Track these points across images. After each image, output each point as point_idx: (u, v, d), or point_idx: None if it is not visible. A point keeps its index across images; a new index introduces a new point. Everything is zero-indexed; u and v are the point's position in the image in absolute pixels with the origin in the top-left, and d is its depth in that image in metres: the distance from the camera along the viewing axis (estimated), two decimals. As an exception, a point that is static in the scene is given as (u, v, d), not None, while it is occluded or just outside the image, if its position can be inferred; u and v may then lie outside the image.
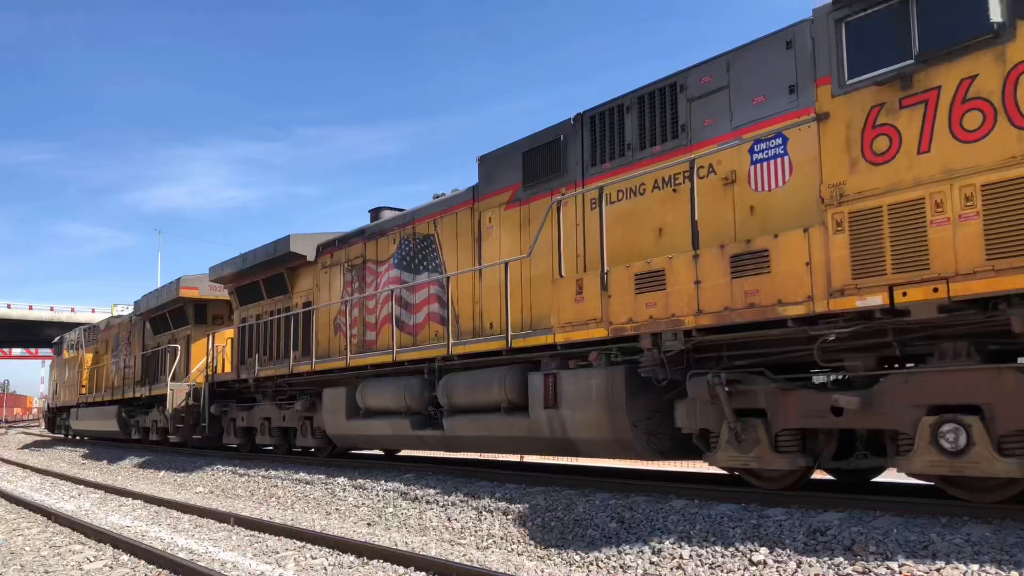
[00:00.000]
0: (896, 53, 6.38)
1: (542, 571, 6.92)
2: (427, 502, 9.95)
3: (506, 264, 10.13)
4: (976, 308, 5.97)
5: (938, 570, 5.41)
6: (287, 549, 8.22)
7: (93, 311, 58.66)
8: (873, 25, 6.59)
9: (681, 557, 6.65)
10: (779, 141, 7.51)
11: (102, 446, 24.32)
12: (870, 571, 5.63)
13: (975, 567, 5.31)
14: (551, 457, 12.98)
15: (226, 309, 18.63)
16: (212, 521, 10.44)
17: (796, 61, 7.43)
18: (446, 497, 9.85)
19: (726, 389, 7.48)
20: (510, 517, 8.61)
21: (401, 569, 7.04)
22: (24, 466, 21.74)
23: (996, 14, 5.75)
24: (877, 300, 6.26)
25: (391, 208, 14.05)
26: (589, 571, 6.88)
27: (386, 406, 12.10)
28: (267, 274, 15.94)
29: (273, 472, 14.00)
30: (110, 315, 31.27)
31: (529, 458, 14.58)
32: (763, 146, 7.66)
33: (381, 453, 15.71)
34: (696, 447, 8.19)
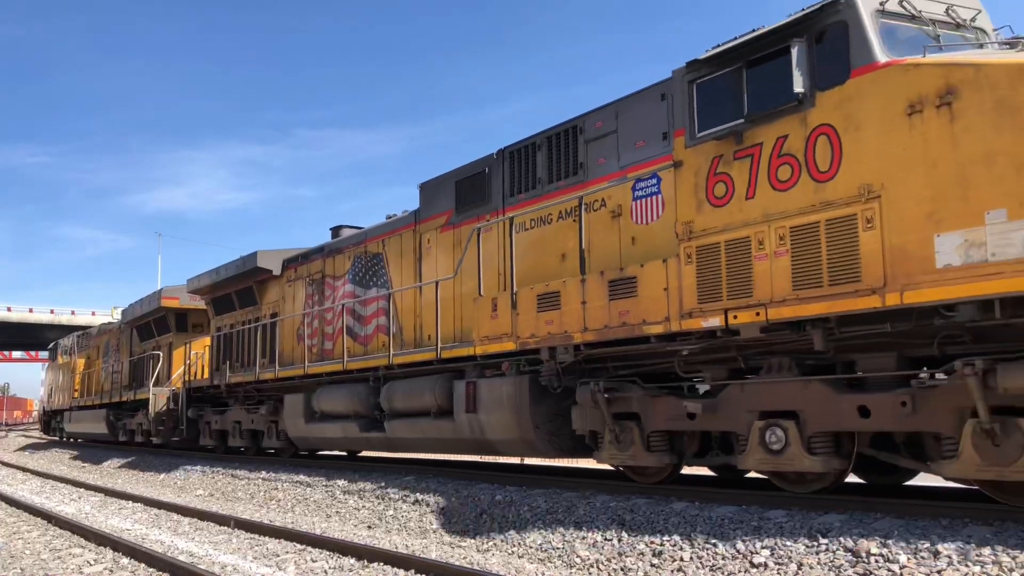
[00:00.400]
0: (732, 113, 7.49)
1: (543, 574, 6.92)
2: (427, 505, 9.94)
3: (437, 283, 11.30)
4: (790, 329, 7.08)
5: (939, 572, 5.41)
6: (287, 552, 8.21)
7: (93, 314, 58.66)
8: (716, 88, 7.70)
9: (682, 559, 6.65)
10: (654, 181, 8.52)
11: (92, 447, 25.26)
12: (871, 573, 5.62)
13: (976, 569, 5.31)
14: (556, 460, 13.17)
15: (205, 318, 19.41)
16: (212, 524, 10.42)
17: (667, 112, 8.43)
18: (446, 500, 9.84)
19: (605, 396, 8.66)
20: (511, 519, 8.61)
21: (402, 572, 7.02)
22: (24, 469, 21.73)
23: (800, 86, 6.96)
24: (716, 321, 7.42)
25: (350, 226, 15.15)
26: (591, 573, 6.88)
27: (338, 411, 13.19)
28: (238, 287, 17.03)
29: (273, 475, 13.99)
30: (109, 318, 31.50)
31: (531, 460, 14.60)
32: (642, 184, 8.67)
33: (342, 453, 16.22)
34: (589, 447, 9.32)
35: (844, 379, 7.12)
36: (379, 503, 10.63)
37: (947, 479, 6.91)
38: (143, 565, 7.92)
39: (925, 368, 6.60)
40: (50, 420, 33.35)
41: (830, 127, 6.85)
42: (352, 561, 7.57)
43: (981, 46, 7.05)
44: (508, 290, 9.80)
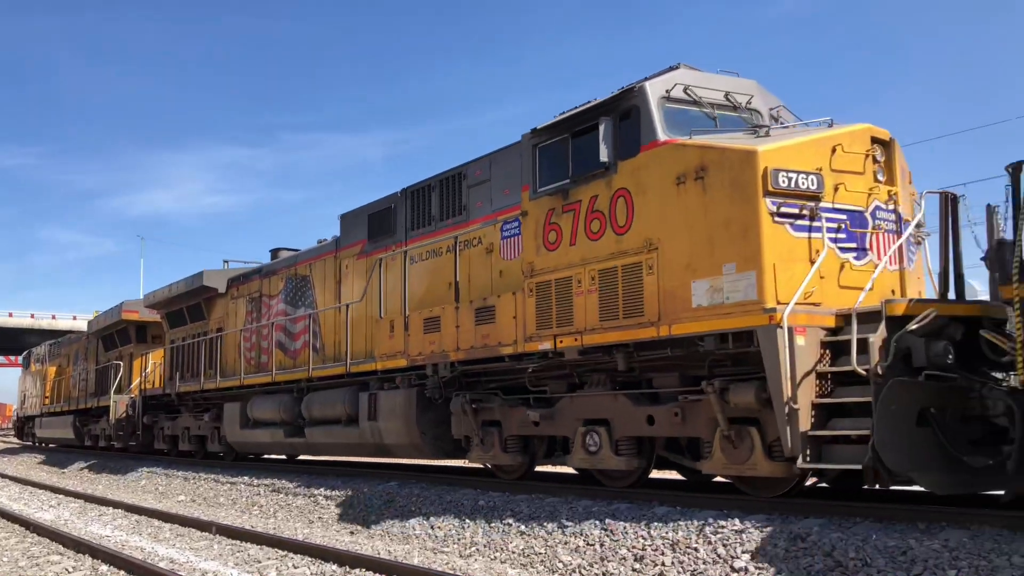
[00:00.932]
0: (562, 174, 9.06)
1: (525, 579, 6.92)
2: (410, 510, 9.93)
3: (348, 305, 12.72)
4: (601, 352, 8.55)
5: (917, 575, 5.47)
6: (269, 558, 8.17)
7: (75, 318, 58.06)
8: (551, 152, 9.24)
9: (663, 564, 6.68)
10: (516, 224, 9.82)
11: (61, 452, 26.63)
12: (850, 577, 5.67)
13: (952, 572, 5.37)
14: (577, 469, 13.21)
15: (163, 330, 20.76)
16: (194, 530, 10.36)
17: (521, 168, 9.76)
18: (429, 505, 9.84)
19: (472, 407, 10.21)
20: (493, 525, 8.61)
21: (383, 578, 7.02)
22: (3, 476, 21.50)
23: (605, 156, 8.39)
24: (548, 345, 8.96)
25: (287, 248, 16.47)
26: (572, 578, 6.89)
27: (268, 418, 14.63)
28: (189, 303, 18.50)
29: (256, 480, 13.93)
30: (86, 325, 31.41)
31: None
32: (507, 227, 9.98)
33: (322, 459, 16.63)
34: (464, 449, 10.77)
35: (641, 393, 8.60)
36: (361, 509, 10.60)
37: (705, 473, 8.43)
38: (123, 572, 7.86)
39: (702, 385, 7.67)
40: (23, 426, 34.35)
41: (626, 190, 8.37)
42: (334, 567, 7.55)
43: (754, 126, 8.24)
44: (403, 314, 11.31)
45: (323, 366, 13.28)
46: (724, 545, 6.63)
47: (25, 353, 34.67)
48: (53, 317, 61.27)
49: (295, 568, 7.66)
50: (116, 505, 13.31)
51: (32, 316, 61.40)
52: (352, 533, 9.74)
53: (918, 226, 8.08)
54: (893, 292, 7.65)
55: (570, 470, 10.45)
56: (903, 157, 8.24)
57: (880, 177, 7.79)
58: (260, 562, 8.03)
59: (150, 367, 20.64)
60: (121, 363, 21.75)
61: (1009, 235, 6.37)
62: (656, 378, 8.51)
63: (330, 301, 13.55)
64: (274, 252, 16.79)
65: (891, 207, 7.76)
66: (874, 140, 7.81)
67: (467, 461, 11.11)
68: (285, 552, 8.41)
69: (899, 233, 7.76)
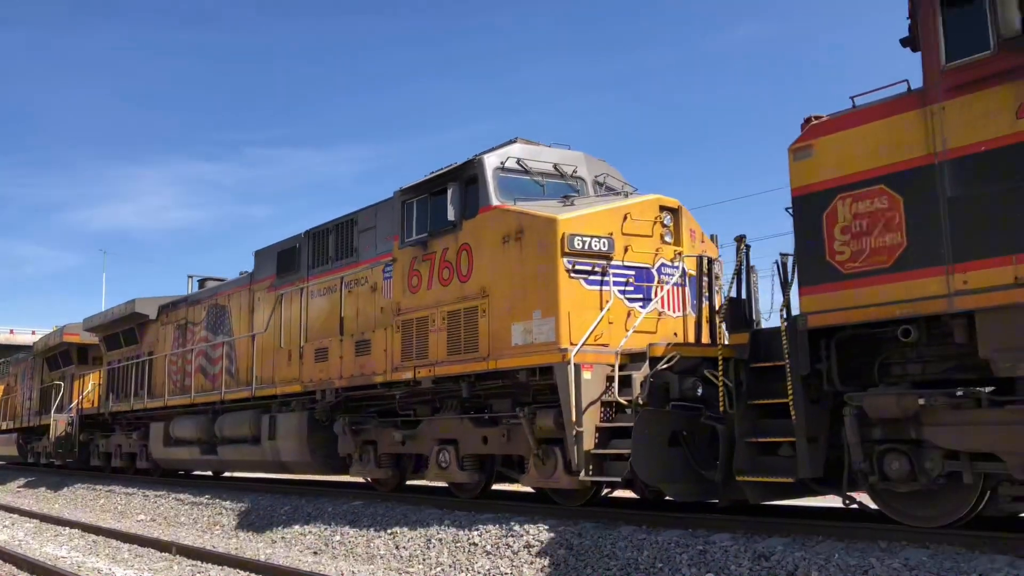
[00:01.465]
0: (423, 228, 10.54)
1: (490, 599, 6.88)
2: (375, 530, 9.83)
3: (254, 335, 14.09)
4: (450, 381, 9.99)
5: (878, 594, 5.52)
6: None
7: (33, 332, 56.73)
8: (416, 209, 10.70)
9: (629, 583, 6.67)
10: (392, 267, 11.10)
11: (6, 469, 27.28)
12: (812, 596, 5.71)
13: (912, 591, 5.43)
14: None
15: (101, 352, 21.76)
16: (153, 551, 10.16)
17: (395, 219, 11.12)
18: (394, 525, 9.74)
19: (352, 428, 11.60)
20: (459, 545, 8.55)
21: (347, 599, 6.93)
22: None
23: (452, 216, 9.90)
24: (409, 375, 10.37)
25: (213, 279, 17.61)
26: (537, 599, 6.86)
27: (187, 437, 15.83)
28: (124, 327, 19.64)
29: (218, 500, 13.71)
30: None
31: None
32: (387, 269, 11.15)
33: (284, 477, 16.70)
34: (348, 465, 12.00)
35: (480, 417, 9.85)
36: (325, 528, 10.47)
37: (524, 486, 10.19)
38: (79, 594, 7.67)
39: (516, 411, 9.08)
40: None
41: (468, 245, 9.84)
42: (297, 588, 7.45)
43: (564, 196, 9.85)
44: (299, 344, 12.73)
45: (234, 390, 14.53)
46: (689, 565, 6.66)
47: None
48: (11, 332, 59.82)
49: (257, 589, 7.54)
50: (73, 525, 13.01)
51: (-10, 331, 59.92)
52: (316, 553, 9.62)
53: (716, 277, 9.59)
54: (676, 335, 9.16)
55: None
56: (692, 220, 9.83)
57: (668, 239, 9.42)
58: (221, 583, 7.89)
59: (89, 387, 21.53)
60: (62, 383, 22.49)
61: (743, 293, 8.09)
62: (495, 404, 9.77)
63: (244, 330, 14.73)
64: (201, 282, 18.04)
65: (677, 264, 9.30)
66: (663, 208, 9.43)
67: (350, 475, 12.41)
68: (248, 573, 8.28)
69: (684, 286, 9.32)
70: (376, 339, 11.02)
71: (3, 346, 53.35)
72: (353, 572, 8.16)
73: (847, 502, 6.97)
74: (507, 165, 9.90)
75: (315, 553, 9.63)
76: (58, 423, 21.29)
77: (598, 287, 8.86)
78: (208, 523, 12.46)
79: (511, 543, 8.16)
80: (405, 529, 9.50)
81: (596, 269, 8.86)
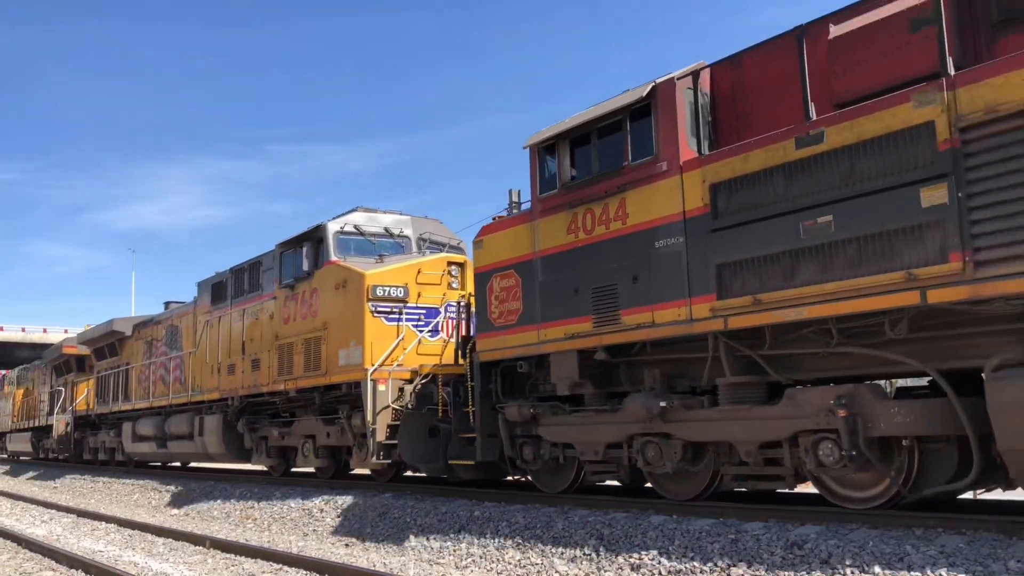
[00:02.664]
0: (292, 274, 13.91)
1: (521, 590, 6.89)
2: (405, 522, 9.89)
3: (192, 352, 17.67)
4: (309, 392, 13.36)
5: (914, 582, 5.46)
6: (264, 572, 8.12)
7: (66, 331, 57.65)
8: (287, 259, 14.12)
9: (660, 573, 6.66)
10: (274, 302, 14.45)
11: (23, 464, 31.23)
12: (847, 584, 5.66)
13: (949, 579, 5.36)
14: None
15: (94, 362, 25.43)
16: (187, 544, 10.29)
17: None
18: (424, 517, 9.79)
19: (250, 426, 15.45)
20: (488, 536, 8.58)
21: (379, 590, 6.98)
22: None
23: (306, 267, 13.34)
24: (282, 387, 13.81)
25: (176, 302, 20.88)
26: (569, 589, 6.86)
27: (147, 434, 19.46)
28: (107, 342, 23.32)
29: (250, 493, 13.86)
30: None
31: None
32: (278, 303, 14.45)
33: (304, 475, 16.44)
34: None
35: (327, 418, 13.12)
36: (356, 521, 10.55)
37: (353, 468, 13.84)
38: (116, 587, 7.81)
39: (340, 412, 12.81)
40: (6, 439, 38.53)
41: (317, 290, 13.20)
42: (329, 580, 7.51)
43: (379, 255, 13.10)
44: (218, 360, 16.32)
45: (180, 395, 18.11)
46: (720, 555, 6.62)
47: (0, 376, 39.30)
48: (44, 331, 60.81)
49: (290, 582, 7.62)
50: (109, 520, 13.21)
51: (23, 330, 60.94)
52: (347, 546, 9.69)
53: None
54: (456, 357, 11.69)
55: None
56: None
57: (455, 285, 12.67)
58: (255, 576, 7.98)
59: (84, 393, 24.88)
60: (64, 389, 26.57)
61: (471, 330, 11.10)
62: (340, 408, 12.76)
63: (189, 347, 18.04)
64: (167, 304, 21.51)
65: (462, 303, 11.61)
66: (451, 263, 12.85)
67: (251, 464, 16.18)
68: (280, 565, 8.36)
69: (468, 321, 11.36)
70: (263, 358, 14.60)
71: (37, 344, 54.28)
72: (385, 564, 8.22)
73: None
74: (345, 229, 13.28)
75: (347, 545, 9.70)
76: (59, 423, 25.39)
77: (395, 323, 12.32)
78: (240, 517, 12.60)
79: (540, 534, 8.17)
80: (435, 521, 9.54)
81: (394, 310, 12.32)
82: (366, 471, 13.44)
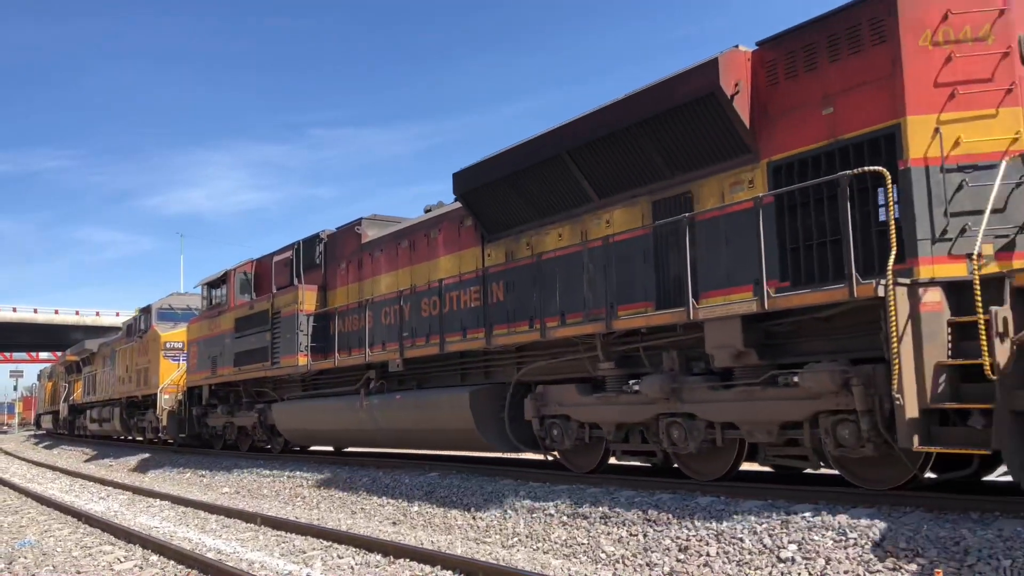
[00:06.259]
0: (141, 329, 25.42)
1: (568, 569, 6.91)
2: (451, 501, 9.98)
3: (111, 369, 28.36)
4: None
5: (970, 566, 5.35)
6: (314, 549, 8.27)
7: (117, 314, 59.24)
8: (142, 318, 25.80)
9: (708, 554, 6.62)
10: (138, 344, 25.59)
11: (48, 437, 42.23)
12: (900, 568, 5.58)
13: (1007, 563, 5.25)
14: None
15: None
16: (239, 521, 10.52)
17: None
18: (470, 496, 9.87)
19: (128, 415, 26.18)
20: (535, 515, 8.62)
21: (427, 568, 7.07)
22: (53, 468, 22.07)
23: (144, 326, 25.56)
24: (139, 394, 25.04)
25: (116, 328, 32.80)
26: (615, 569, 6.87)
27: (95, 418, 30.45)
28: (86, 355, 32.81)
29: (298, 472, 14.10)
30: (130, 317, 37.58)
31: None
32: (137, 345, 25.66)
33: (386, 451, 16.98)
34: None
35: (143, 412, 23.76)
36: (403, 500, 10.68)
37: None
38: (172, 562, 8.02)
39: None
40: (39, 419, 51.83)
41: (147, 340, 24.28)
42: (378, 557, 7.62)
43: (176, 320, 24.08)
44: (119, 376, 26.27)
45: (104, 395, 28.91)
46: (769, 535, 6.56)
47: (39, 371, 52.08)
48: (97, 314, 62.53)
49: (340, 559, 7.74)
50: (163, 497, 13.57)
51: (77, 313, 62.72)
52: (394, 524, 9.82)
53: None
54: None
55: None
56: None
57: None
58: (305, 552, 8.13)
59: (79, 388, 34.70)
60: (68, 385, 37.47)
61: None
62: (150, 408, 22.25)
63: (121, 366, 27.01)
64: (124, 328, 29.63)
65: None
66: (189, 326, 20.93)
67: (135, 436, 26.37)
68: (330, 543, 8.50)
69: None
70: (132, 376, 24.90)
71: (90, 327, 55.79)
72: (432, 542, 8.31)
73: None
74: (163, 307, 24.74)
75: (394, 524, 9.83)
76: (63, 408, 37.65)
77: (178, 362, 22.40)
78: (290, 495, 12.83)
79: (587, 513, 8.18)
80: (480, 500, 9.61)
81: (179, 353, 22.26)
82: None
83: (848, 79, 7.24)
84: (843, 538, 6.17)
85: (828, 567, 5.89)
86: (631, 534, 7.45)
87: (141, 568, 7.88)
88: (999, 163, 6.54)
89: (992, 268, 6.45)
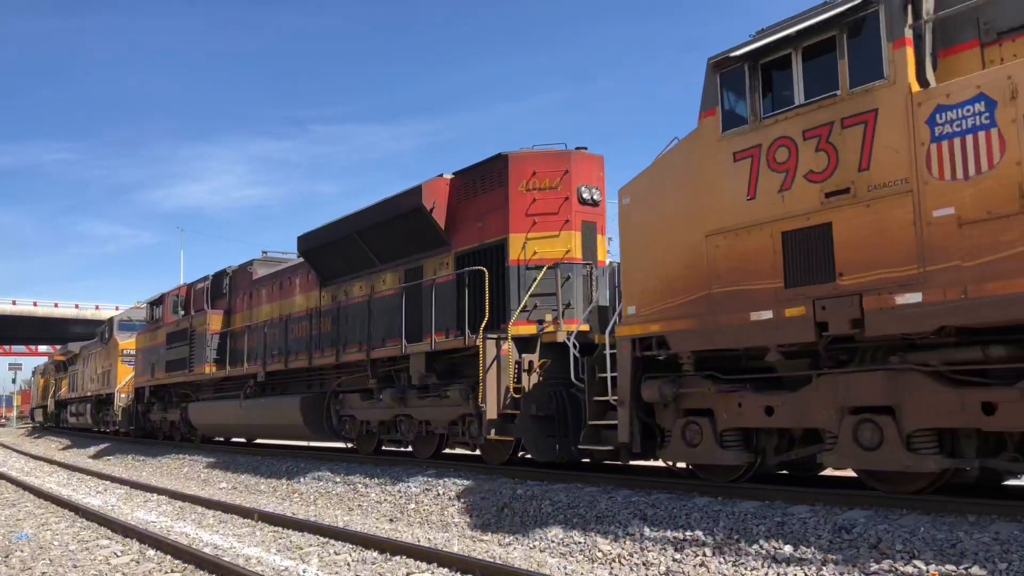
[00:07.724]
0: (105, 338, 30.81)
1: (564, 568, 6.92)
2: (448, 498, 9.98)
3: (84, 370, 33.43)
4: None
5: (966, 569, 5.35)
6: (311, 545, 8.28)
7: (117, 308, 59.19)
8: (105, 330, 31.10)
9: (704, 554, 6.63)
10: (104, 351, 30.17)
11: (38, 429, 46.38)
12: (896, 570, 5.58)
13: (1004, 566, 5.25)
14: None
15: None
16: (236, 517, 10.52)
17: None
18: (467, 494, 9.88)
19: (99, 410, 30.39)
20: (531, 514, 8.62)
21: (424, 565, 7.07)
22: (51, 461, 22.07)
23: (108, 336, 30.51)
24: (103, 393, 29.30)
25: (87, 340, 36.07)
26: (612, 568, 6.87)
27: (74, 412, 34.73)
28: (71, 356, 36.65)
29: (296, 468, 14.11)
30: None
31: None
32: (105, 351, 29.93)
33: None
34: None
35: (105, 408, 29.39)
36: (400, 496, 10.69)
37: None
38: (168, 557, 8.01)
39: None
40: (33, 413, 54.81)
41: (111, 347, 28.93)
42: (375, 554, 7.62)
43: (142, 332, 25.89)
44: (91, 375, 30.71)
45: (80, 394, 32.64)
46: (767, 536, 6.56)
47: (34, 368, 55.03)
48: (96, 308, 62.54)
49: (336, 555, 7.75)
50: (161, 492, 13.57)
51: (76, 307, 62.75)
52: (391, 521, 9.82)
53: None
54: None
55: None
56: None
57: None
58: (302, 548, 8.13)
59: (65, 386, 38.43)
60: (56, 381, 40.89)
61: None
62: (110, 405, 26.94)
63: (96, 367, 30.49)
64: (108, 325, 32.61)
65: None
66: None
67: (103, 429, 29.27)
68: (326, 539, 8.50)
69: None
70: (97, 377, 28.34)
71: (89, 321, 55.82)
72: (429, 539, 8.31)
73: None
74: (123, 319, 28.55)
75: (391, 520, 9.84)
76: (51, 404, 41.89)
77: (131, 366, 25.70)
78: (287, 491, 12.84)
79: (583, 512, 8.19)
80: (477, 498, 9.62)
81: (132, 360, 25.49)
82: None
83: (488, 206, 11.50)
84: (839, 539, 6.18)
85: (824, 569, 5.89)
86: (627, 533, 7.45)
87: (138, 562, 7.88)
88: (558, 265, 10.76)
89: (550, 329, 10.55)
